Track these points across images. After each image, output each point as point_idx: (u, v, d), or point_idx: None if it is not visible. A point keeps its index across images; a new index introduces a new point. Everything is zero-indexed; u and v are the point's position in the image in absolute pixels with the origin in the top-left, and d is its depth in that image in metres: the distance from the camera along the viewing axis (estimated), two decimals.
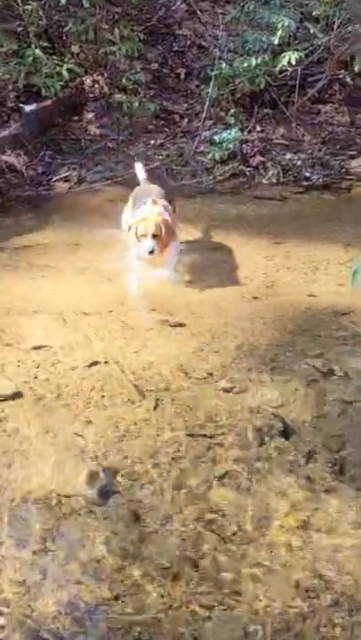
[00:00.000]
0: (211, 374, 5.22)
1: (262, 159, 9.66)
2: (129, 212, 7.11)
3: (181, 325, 5.84)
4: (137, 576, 3.63)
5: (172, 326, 5.84)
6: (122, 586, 3.58)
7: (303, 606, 3.50)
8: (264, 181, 9.37)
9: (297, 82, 10.12)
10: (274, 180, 9.40)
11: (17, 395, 4.97)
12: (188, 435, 4.63)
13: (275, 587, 3.59)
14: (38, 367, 5.26)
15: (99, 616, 3.43)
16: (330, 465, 4.40)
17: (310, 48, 10.24)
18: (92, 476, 4.26)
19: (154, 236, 6.32)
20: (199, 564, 3.70)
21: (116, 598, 3.51)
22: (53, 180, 9.26)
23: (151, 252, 6.31)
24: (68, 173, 9.35)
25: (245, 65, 9.61)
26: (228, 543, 3.84)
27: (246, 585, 3.59)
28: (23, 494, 4.13)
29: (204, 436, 4.62)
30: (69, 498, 4.11)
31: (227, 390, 5.06)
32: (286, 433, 4.66)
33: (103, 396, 4.98)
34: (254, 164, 9.58)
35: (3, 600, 3.47)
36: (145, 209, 6.62)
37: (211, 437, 4.61)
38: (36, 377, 5.16)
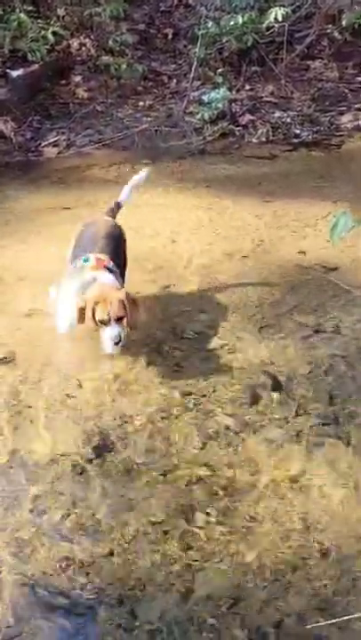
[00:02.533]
0: (201, 333, 5.26)
1: (252, 118, 9.62)
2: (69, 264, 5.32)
3: (171, 285, 5.87)
4: (131, 532, 3.70)
5: (161, 287, 5.86)
6: (116, 542, 3.65)
7: (294, 558, 3.57)
8: (254, 140, 9.33)
9: (284, 38, 10.04)
10: (263, 139, 9.35)
11: (9, 359, 5.01)
12: (180, 393, 4.68)
13: (266, 539, 3.66)
14: (29, 332, 5.29)
15: (94, 572, 3.50)
16: (320, 419, 4.45)
17: (297, 3, 10.14)
18: (86, 436, 4.32)
19: (119, 320, 4.80)
20: (191, 519, 3.77)
21: (111, 554, 3.58)
22: (42, 145, 9.23)
23: (118, 343, 4.82)
24: (56, 138, 9.32)
25: (232, 23, 9.55)
26: (220, 498, 3.90)
27: (238, 538, 3.66)
28: (17, 455, 4.19)
29: (196, 394, 4.67)
30: (63, 458, 4.16)
31: (217, 349, 5.10)
32: (277, 389, 4.71)
33: (94, 358, 5.02)
34: (244, 123, 9.54)
35: None
36: (89, 276, 4.95)
37: (202, 395, 4.66)
38: (27, 342, 5.19)
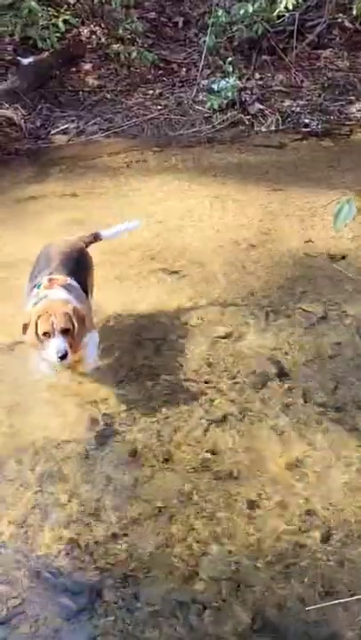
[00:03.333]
0: (207, 321, 5.29)
1: (261, 107, 9.61)
2: (27, 287, 4.99)
3: (178, 274, 5.90)
4: (135, 515, 3.75)
5: (169, 275, 5.89)
6: (120, 524, 3.70)
7: (296, 541, 3.62)
8: (263, 129, 9.33)
9: (295, 27, 10.02)
10: (273, 128, 9.35)
11: (17, 346, 5.03)
12: (185, 379, 4.72)
13: (268, 523, 3.71)
14: None
15: (97, 553, 3.55)
16: (325, 406, 4.49)
17: None
18: (92, 421, 4.37)
19: (63, 332, 4.38)
20: (195, 503, 3.81)
21: (114, 536, 3.63)
22: (52, 132, 9.25)
23: (63, 357, 4.35)
24: (66, 126, 9.34)
25: (242, 11, 9.51)
26: (224, 482, 3.94)
27: (240, 522, 3.71)
28: (25, 439, 4.25)
29: (201, 380, 4.71)
30: (69, 442, 4.22)
31: (223, 336, 5.14)
32: (281, 376, 4.75)
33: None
34: (253, 112, 9.53)
35: (2, 540, 3.60)
36: (41, 295, 4.60)
37: (207, 382, 4.70)
38: None
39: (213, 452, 4.13)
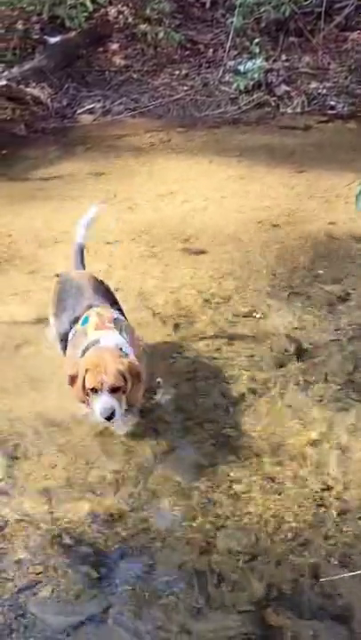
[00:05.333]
0: (229, 299, 5.34)
1: (287, 88, 9.61)
2: (54, 321, 4.65)
3: (202, 253, 5.95)
4: (154, 488, 3.81)
5: (193, 254, 5.94)
6: (139, 496, 3.76)
7: (312, 516, 3.65)
8: (289, 111, 9.35)
9: (323, 9, 9.99)
10: (299, 110, 9.37)
11: (41, 320, 5.09)
12: (206, 357, 4.77)
13: (286, 498, 3.75)
14: None
15: (117, 524, 3.61)
16: (343, 385, 4.52)
17: None
18: None
19: (113, 391, 3.87)
20: (213, 477, 3.87)
21: (134, 507, 3.69)
22: (78, 111, 9.32)
23: (109, 418, 3.86)
24: (92, 105, 9.41)
25: None
26: (242, 458, 3.99)
27: (258, 496, 3.75)
28: (44, 411, 4.33)
29: (221, 358, 4.76)
30: (89, 415, 4.26)
31: (244, 315, 5.18)
32: (301, 355, 4.78)
33: None
34: (279, 94, 9.53)
35: (25, 508, 3.67)
36: (91, 338, 4.10)
37: (228, 359, 4.75)
38: None
39: (233, 429, 4.18)
